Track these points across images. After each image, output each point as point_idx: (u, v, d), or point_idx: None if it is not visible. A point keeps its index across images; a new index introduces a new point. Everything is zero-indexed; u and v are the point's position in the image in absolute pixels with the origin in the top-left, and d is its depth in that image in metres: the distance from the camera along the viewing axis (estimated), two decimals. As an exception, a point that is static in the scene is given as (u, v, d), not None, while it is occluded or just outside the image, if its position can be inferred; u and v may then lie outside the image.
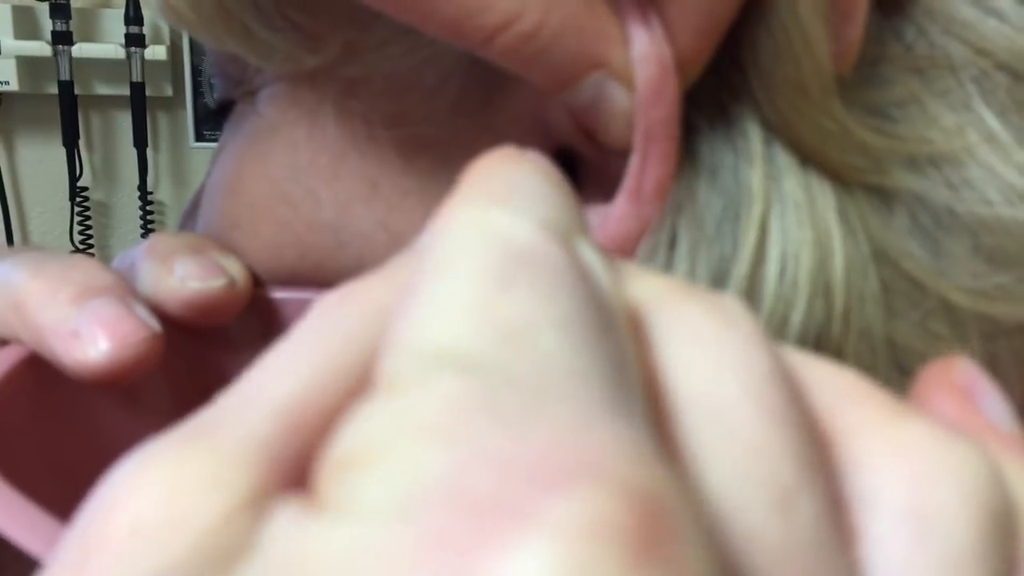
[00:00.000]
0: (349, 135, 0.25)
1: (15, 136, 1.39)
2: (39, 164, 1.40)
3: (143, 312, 0.22)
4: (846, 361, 0.21)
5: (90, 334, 0.21)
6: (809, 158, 0.21)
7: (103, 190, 1.44)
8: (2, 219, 1.37)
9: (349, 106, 0.24)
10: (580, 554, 0.08)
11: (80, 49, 1.29)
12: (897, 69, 0.22)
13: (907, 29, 0.22)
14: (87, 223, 1.39)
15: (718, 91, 0.21)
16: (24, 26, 1.30)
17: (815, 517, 0.10)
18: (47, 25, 1.28)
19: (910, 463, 0.11)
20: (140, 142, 1.37)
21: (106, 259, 1.15)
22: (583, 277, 0.11)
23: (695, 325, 0.12)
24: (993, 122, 0.22)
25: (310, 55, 0.24)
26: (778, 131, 0.21)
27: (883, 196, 0.22)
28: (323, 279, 0.26)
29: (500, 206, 0.11)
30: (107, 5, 1.34)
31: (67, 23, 1.27)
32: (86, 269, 0.23)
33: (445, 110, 0.24)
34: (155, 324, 0.22)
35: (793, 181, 0.21)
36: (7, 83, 1.30)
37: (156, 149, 1.43)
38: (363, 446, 0.09)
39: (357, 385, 0.11)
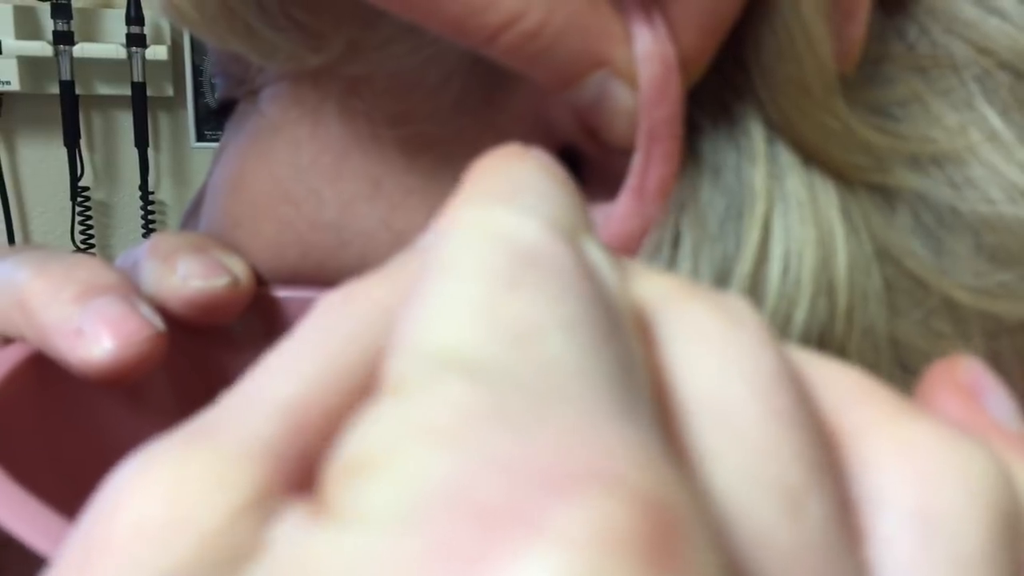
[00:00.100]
0: (352, 134, 0.25)
1: (16, 136, 1.39)
2: (40, 164, 1.40)
3: (147, 311, 0.22)
4: (849, 359, 0.21)
5: (94, 332, 0.21)
6: (812, 157, 0.21)
7: (104, 190, 1.44)
8: (3, 219, 1.37)
9: (352, 105, 0.24)
10: (590, 563, 0.08)
11: (81, 49, 1.29)
12: (899, 68, 0.22)
13: (909, 28, 0.22)
14: (88, 223, 1.39)
15: (721, 90, 0.21)
16: (25, 26, 1.30)
17: (824, 519, 0.10)
18: (48, 25, 1.28)
19: (917, 463, 0.11)
20: (141, 142, 1.37)
21: (107, 259, 1.15)
22: (590, 277, 0.11)
23: (701, 324, 0.12)
24: (995, 121, 0.22)
25: (313, 54, 0.24)
26: (781, 130, 0.21)
27: (886, 195, 0.22)
28: (326, 278, 0.26)
29: (505, 205, 0.11)
30: (108, 5, 1.34)
31: (68, 23, 1.27)
32: (90, 268, 0.23)
33: (448, 108, 0.23)
34: (159, 323, 0.22)
35: (796, 180, 0.21)
36: (8, 83, 1.30)
37: (157, 149, 1.43)
38: (369, 451, 0.09)
39: (360, 385, 0.11)
